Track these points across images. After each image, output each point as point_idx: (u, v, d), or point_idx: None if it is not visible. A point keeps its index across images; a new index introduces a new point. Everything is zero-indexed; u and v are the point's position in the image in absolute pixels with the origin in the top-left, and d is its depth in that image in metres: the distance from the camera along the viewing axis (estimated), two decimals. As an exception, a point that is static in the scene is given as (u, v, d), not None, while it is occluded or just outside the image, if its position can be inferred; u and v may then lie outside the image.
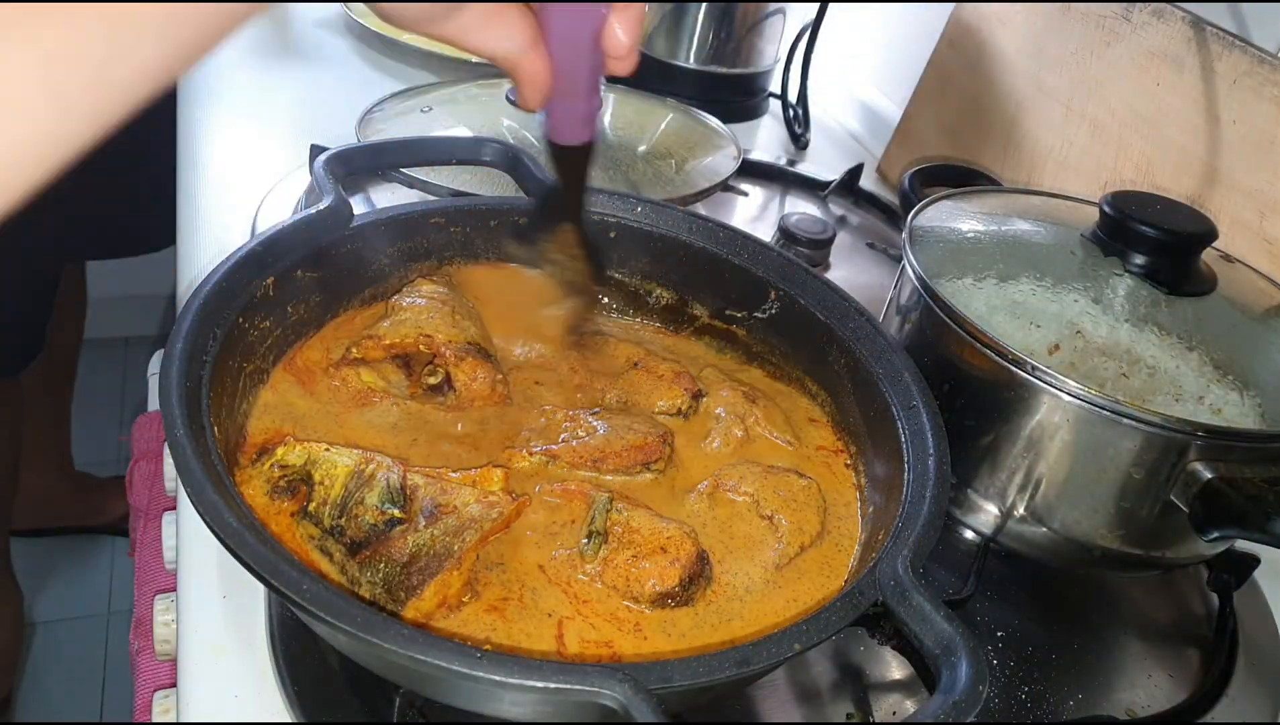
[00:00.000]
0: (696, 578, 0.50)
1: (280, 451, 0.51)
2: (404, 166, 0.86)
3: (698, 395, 0.63)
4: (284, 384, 0.58)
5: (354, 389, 0.59)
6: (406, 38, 1.19)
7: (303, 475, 0.50)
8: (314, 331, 0.62)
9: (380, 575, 0.46)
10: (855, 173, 1.09)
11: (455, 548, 0.47)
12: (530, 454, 0.56)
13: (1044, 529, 0.60)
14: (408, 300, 0.62)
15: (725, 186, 1.02)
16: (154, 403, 1.12)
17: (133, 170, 1.21)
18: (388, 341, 0.60)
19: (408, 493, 0.49)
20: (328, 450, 0.51)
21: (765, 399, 0.63)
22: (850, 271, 0.96)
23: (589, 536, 0.51)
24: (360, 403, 0.58)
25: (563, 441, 0.57)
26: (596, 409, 0.61)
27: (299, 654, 0.51)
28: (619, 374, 0.65)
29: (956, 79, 1.08)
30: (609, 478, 0.56)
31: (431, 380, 0.59)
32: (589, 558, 0.51)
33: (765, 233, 0.96)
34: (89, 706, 1.58)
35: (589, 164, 0.52)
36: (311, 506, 0.49)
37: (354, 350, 0.60)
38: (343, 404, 0.58)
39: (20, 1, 0.24)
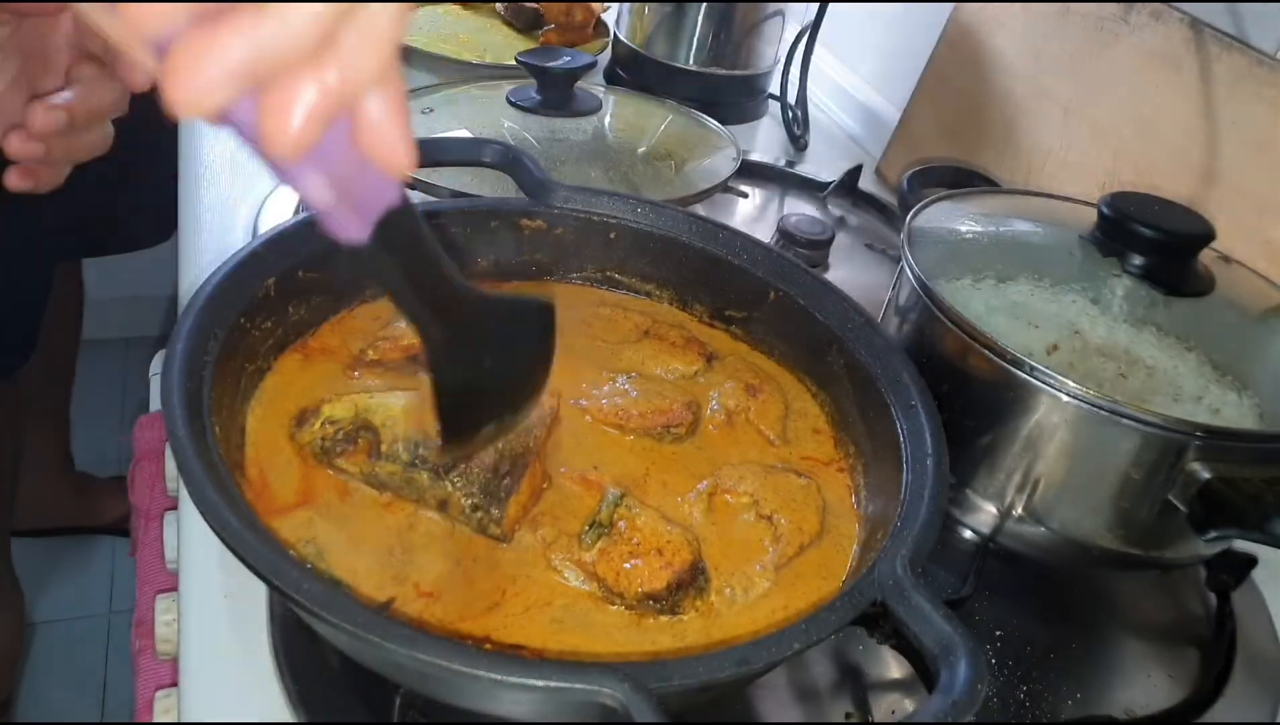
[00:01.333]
0: (686, 586, 0.50)
1: (325, 409, 0.54)
2: (404, 167, 0.85)
3: (710, 357, 0.66)
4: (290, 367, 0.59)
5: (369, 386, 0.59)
6: (407, 39, 1.19)
7: (357, 425, 0.53)
8: (315, 331, 0.62)
9: (477, 483, 0.51)
10: (854, 174, 1.09)
11: (530, 444, 0.53)
12: (568, 402, 0.59)
13: (1043, 529, 0.60)
14: None
15: (725, 187, 1.03)
16: (155, 403, 1.12)
17: (123, 169, 1.20)
18: (405, 342, 0.60)
19: None
20: (372, 397, 0.54)
21: (768, 395, 0.63)
22: (849, 272, 0.96)
23: (590, 526, 0.52)
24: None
25: (594, 397, 0.60)
26: (633, 374, 0.62)
27: (300, 653, 0.51)
28: (629, 342, 0.66)
29: (955, 80, 1.08)
30: (630, 438, 0.59)
31: None
32: (585, 548, 0.51)
33: (764, 234, 0.96)
34: (89, 707, 1.58)
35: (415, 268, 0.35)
36: (385, 447, 0.52)
37: (370, 352, 0.60)
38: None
39: None
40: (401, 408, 0.53)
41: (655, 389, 0.61)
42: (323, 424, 0.53)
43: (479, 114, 0.91)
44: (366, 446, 0.53)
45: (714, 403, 0.62)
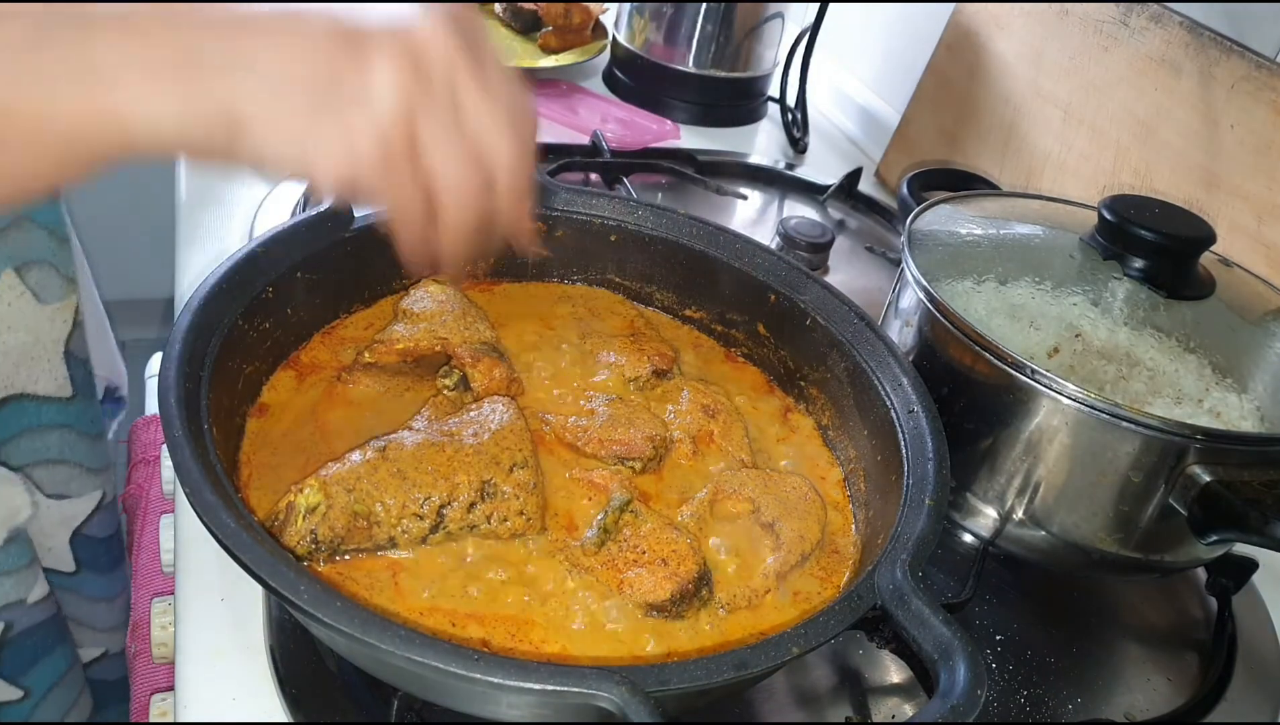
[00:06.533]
0: (690, 596, 0.50)
1: (299, 502, 0.48)
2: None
3: (661, 373, 0.64)
4: (285, 383, 0.58)
5: (365, 390, 0.59)
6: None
7: (341, 510, 0.48)
8: (314, 334, 0.62)
9: (510, 493, 0.51)
10: (854, 176, 1.09)
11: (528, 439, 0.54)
12: (536, 414, 0.59)
13: (1043, 532, 0.60)
14: (419, 305, 0.62)
15: (719, 190, 1.02)
16: (152, 405, 1.12)
17: None
18: (401, 346, 0.60)
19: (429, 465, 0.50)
20: (332, 470, 0.49)
21: (727, 415, 0.62)
22: (849, 275, 0.96)
23: (595, 530, 0.52)
24: (365, 404, 0.58)
25: (561, 413, 0.60)
26: (611, 397, 0.61)
27: (297, 656, 0.51)
28: (614, 336, 0.67)
29: (955, 83, 1.08)
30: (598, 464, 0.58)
31: (447, 382, 0.59)
32: (589, 552, 0.51)
33: (764, 236, 0.96)
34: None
35: None
36: (391, 521, 0.49)
37: (366, 354, 0.60)
38: (347, 404, 0.58)
39: None
40: (370, 466, 0.49)
41: (626, 416, 0.59)
42: (304, 518, 0.48)
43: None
44: (363, 523, 0.49)
45: (676, 432, 0.60)
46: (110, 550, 0.92)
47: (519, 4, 1.29)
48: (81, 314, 0.81)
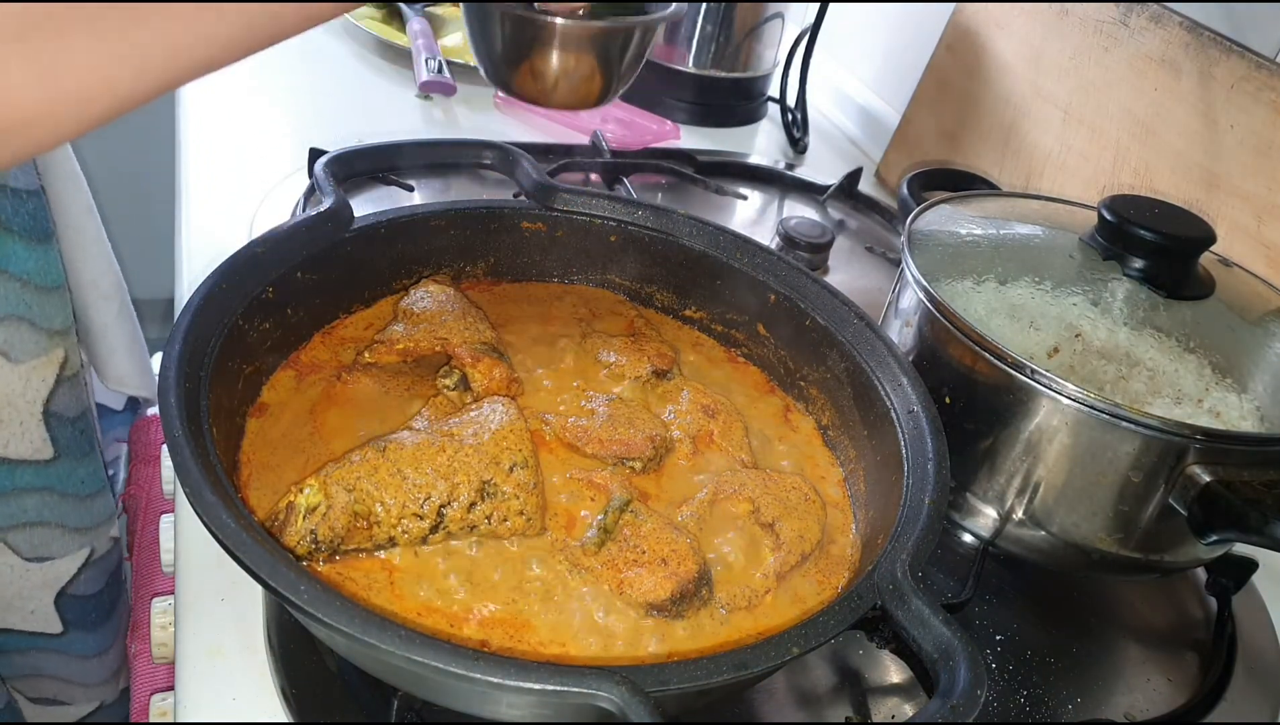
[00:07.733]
0: (690, 596, 0.50)
1: (299, 502, 0.48)
2: (405, 169, 0.86)
3: (661, 373, 0.64)
4: (285, 382, 0.58)
5: (364, 390, 0.59)
6: (403, 40, 1.19)
7: (341, 510, 0.48)
8: (314, 334, 0.62)
9: (511, 493, 0.51)
10: (854, 177, 1.09)
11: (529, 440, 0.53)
12: (537, 414, 0.59)
13: (1043, 532, 0.60)
14: (419, 305, 0.62)
15: (719, 190, 1.02)
16: (152, 406, 1.12)
17: None
18: (401, 346, 0.60)
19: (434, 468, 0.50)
20: (332, 471, 0.49)
21: (727, 415, 0.62)
22: (849, 275, 0.96)
23: (595, 529, 0.52)
24: (365, 403, 0.58)
25: (561, 412, 0.60)
26: (611, 397, 0.61)
27: (297, 656, 0.51)
28: (614, 336, 0.67)
29: (955, 83, 1.08)
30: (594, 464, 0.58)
31: (447, 382, 0.59)
32: (589, 552, 0.51)
33: (764, 236, 0.96)
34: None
35: None
36: (391, 521, 0.49)
37: (366, 354, 0.60)
38: (350, 404, 0.58)
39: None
40: (370, 466, 0.49)
41: (626, 416, 0.59)
42: (304, 518, 0.47)
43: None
44: (363, 523, 0.49)
45: (675, 432, 0.61)
46: (100, 606, 0.88)
47: (519, 4, 1.29)
48: (70, 368, 0.77)
